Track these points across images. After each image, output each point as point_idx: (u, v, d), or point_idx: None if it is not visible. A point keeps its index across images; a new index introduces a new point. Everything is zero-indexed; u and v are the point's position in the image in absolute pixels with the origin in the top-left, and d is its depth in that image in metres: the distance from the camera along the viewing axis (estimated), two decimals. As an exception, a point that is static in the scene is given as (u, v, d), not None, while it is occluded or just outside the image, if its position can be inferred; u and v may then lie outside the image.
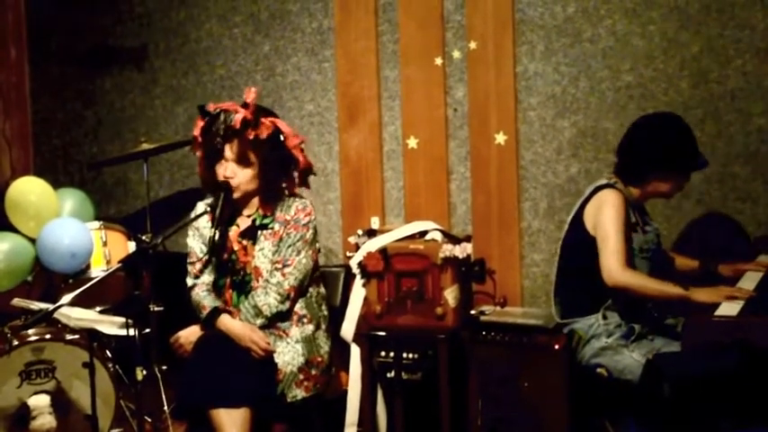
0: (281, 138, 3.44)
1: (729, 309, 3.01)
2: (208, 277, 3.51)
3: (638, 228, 3.38)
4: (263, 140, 3.37)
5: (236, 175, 3.38)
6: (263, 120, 3.39)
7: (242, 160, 3.37)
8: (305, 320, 3.44)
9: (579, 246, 3.39)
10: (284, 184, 3.50)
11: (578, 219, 3.41)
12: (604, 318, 3.32)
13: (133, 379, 3.26)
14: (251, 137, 3.35)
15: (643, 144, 3.37)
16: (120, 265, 3.22)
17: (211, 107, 3.46)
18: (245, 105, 3.39)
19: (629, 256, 3.28)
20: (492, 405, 3.56)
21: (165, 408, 3.97)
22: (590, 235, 3.35)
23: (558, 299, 3.50)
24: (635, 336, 3.27)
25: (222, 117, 3.39)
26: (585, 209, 3.39)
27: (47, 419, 3.62)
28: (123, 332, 3.35)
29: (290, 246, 3.40)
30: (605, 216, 3.29)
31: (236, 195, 3.41)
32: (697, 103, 3.96)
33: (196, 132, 3.48)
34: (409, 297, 3.49)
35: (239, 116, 3.36)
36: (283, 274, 3.38)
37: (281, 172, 3.48)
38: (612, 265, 3.22)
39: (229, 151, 3.38)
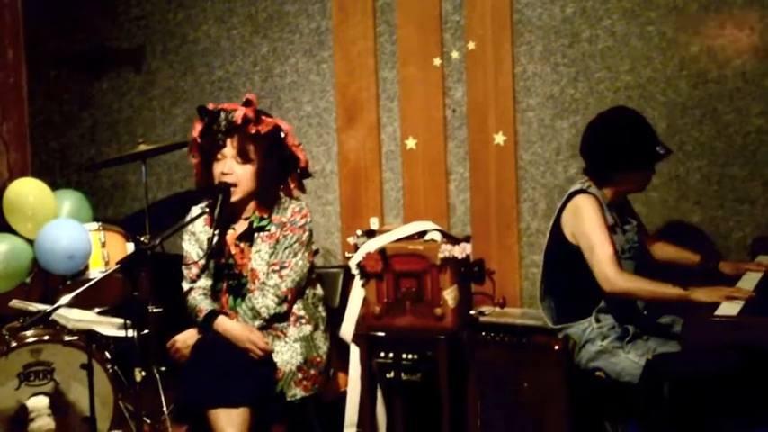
0: (282, 135, 3.46)
1: (729, 309, 3.01)
2: (204, 281, 3.50)
3: (616, 229, 3.37)
4: (263, 136, 3.40)
5: (235, 171, 3.38)
6: (263, 117, 3.43)
7: (242, 156, 3.38)
8: (303, 321, 3.44)
9: (561, 253, 3.37)
10: (281, 191, 3.51)
11: (557, 226, 3.40)
12: (597, 321, 3.30)
13: (132, 380, 3.26)
14: (252, 131, 3.38)
15: (597, 146, 3.36)
16: (118, 266, 3.21)
17: (211, 107, 3.48)
18: (247, 103, 3.43)
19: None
20: (491, 406, 3.56)
21: (164, 409, 3.97)
22: (570, 243, 3.33)
23: (546, 305, 3.48)
24: (630, 337, 3.26)
25: (223, 114, 3.41)
26: (562, 216, 3.37)
27: (45, 421, 3.62)
28: (122, 333, 3.35)
29: (286, 248, 3.40)
30: (585, 224, 3.26)
31: (234, 198, 3.41)
32: (696, 104, 3.95)
33: (195, 134, 3.48)
34: (408, 298, 3.49)
35: (240, 113, 3.39)
36: (280, 276, 3.37)
37: (279, 171, 3.48)
38: (609, 273, 3.19)
39: (229, 147, 3.38)
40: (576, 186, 3.40)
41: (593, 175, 3.40)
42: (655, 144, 3.32)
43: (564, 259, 3.36)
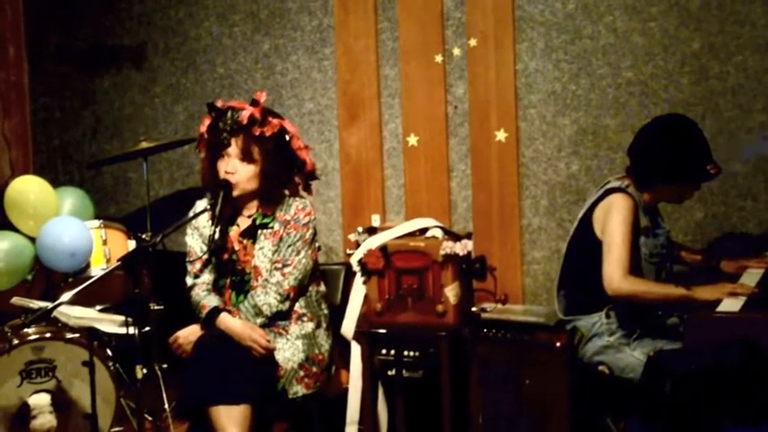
0: (287, 138, 3.46)
1: (731, 305, 3.00)
2: (207, 276, 3.50)
3: (648, 232, 3.35)
4: (267, 138, 3.39)
5: (238, 170, 3.38)
6: (270, 119, 3.42)
7: (245, 156, 3.37)
8: (305, 319, 3.44)
9: (586, 247, 3.36)
10: (286, 191, 3.50)
11: (587, 220, 3.38)
12: (607, 317, 3.30)
13: (133, 378, 3.25)
14: (256, 133, 3.37)
15: (650, 155, 3.32)
16: (119, 263, 3.21)
17: (220, 104, 3.47)
18: (254, 103, 3.41)
19: (635, 263, 3.25)
20: (493, 403, 3.55)
21: (166, 406, 3.96)
22: (598, 238, 3.31)
23: (561, 294, 3.48)
24: (637, 334, 3.26)
25: (230, 113, 3.41)
26: (595, 211, 3.36)
27: (47, 418, 3.62)
28: (123, 331, 3.35)
29: (289, 245, 3.40)
30: (613, 223, 3.25)
31: (235, 193, 3.40)
32: (697, 100, 3.95)
33: (203, 129, 3.48)
34: (410, 294, 3.48)
35: (247, 112, 3.39)
36: (283, 274, 3.37)
37: (282, 173, 3.47)
38: (614, 275, 3.19)
39: (234, 146, 3.38)
40: (615, 183, 3.38)
41: (635, 176, 3.37)
42: (707, 162, 3.28)
43: (587, 252, 3.34)
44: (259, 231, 3.44)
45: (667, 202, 3.51)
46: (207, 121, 3.48)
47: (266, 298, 3.36)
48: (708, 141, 3.33)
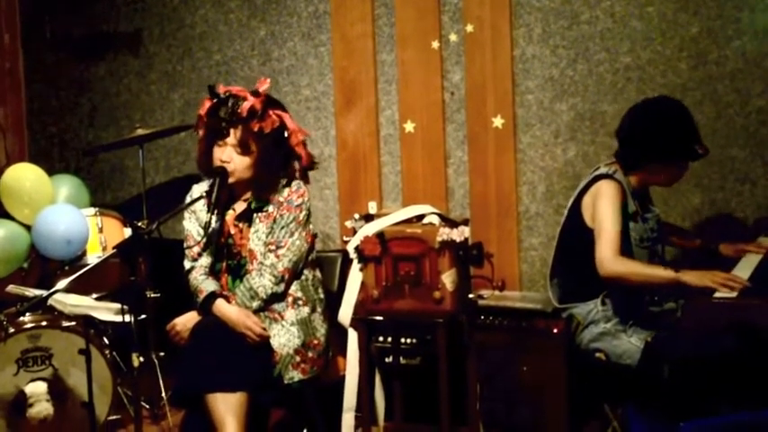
0: (286, 134, 3.44)
1: (727, 291, 2.98)
2: (205, 260, 3.50)
3: (637, 217, 3.34)
4: (266, 133, 3.36)
5: (233, 160, 3.37)
6: (270, 112, 3.39)
7: (242, 148, 3.36)
8: (300, 303, 3.43)
9: (578, 235, 3.35)
10: (283, 180, 3.48)
11: (576, 208, 3.38)
12: (603, 303, 3.29)
13: (130, 366, 3.25)
14: (255, 128, 3.35)
15: (638, 134, 3.31)
16: (115, 250, 3.20)
17: (221, 89, 3.44)
18: (255, 93, 3.39)
19: (626, 248, 3.24)
20: (491, 389, 3.55)
21: (163, 394, 3.97)
22: (588, 226, 3.30)
23: (555, 282, 3.48)
24: (633, 321, 3.25)
25: (231, 102, 3.38)
26: (583, 199, 3.35)
27: (44, 407, 3.62)
28: (119, 319, 3.34)
29: (283, 227, 3.39)
30: (601, 210, 3.24)
31: (230, 181, 3.40)
32: (696, 85, 3.93)
33: (202, 112, 3.46)
34: (407, 281, 3.47)
35: (247, 104, 3.36)
36: (277, 256, 3.37)
37: (279, 166, 3.46)
38: (605, 257, 3.16)
39: (232, 137, 3.36)
40: (602, 170, 3.36)
41: (623, 159, 3.36)
42: (695, 141, 3.28)
43: (579, 241, 3.33)
44: (254, 215, 3.43)
45: (656, 185, 3.49)
46: (207, 104, 3.45)
47: (261, 280, 3.35)
48: (695, 122, 3.32)
